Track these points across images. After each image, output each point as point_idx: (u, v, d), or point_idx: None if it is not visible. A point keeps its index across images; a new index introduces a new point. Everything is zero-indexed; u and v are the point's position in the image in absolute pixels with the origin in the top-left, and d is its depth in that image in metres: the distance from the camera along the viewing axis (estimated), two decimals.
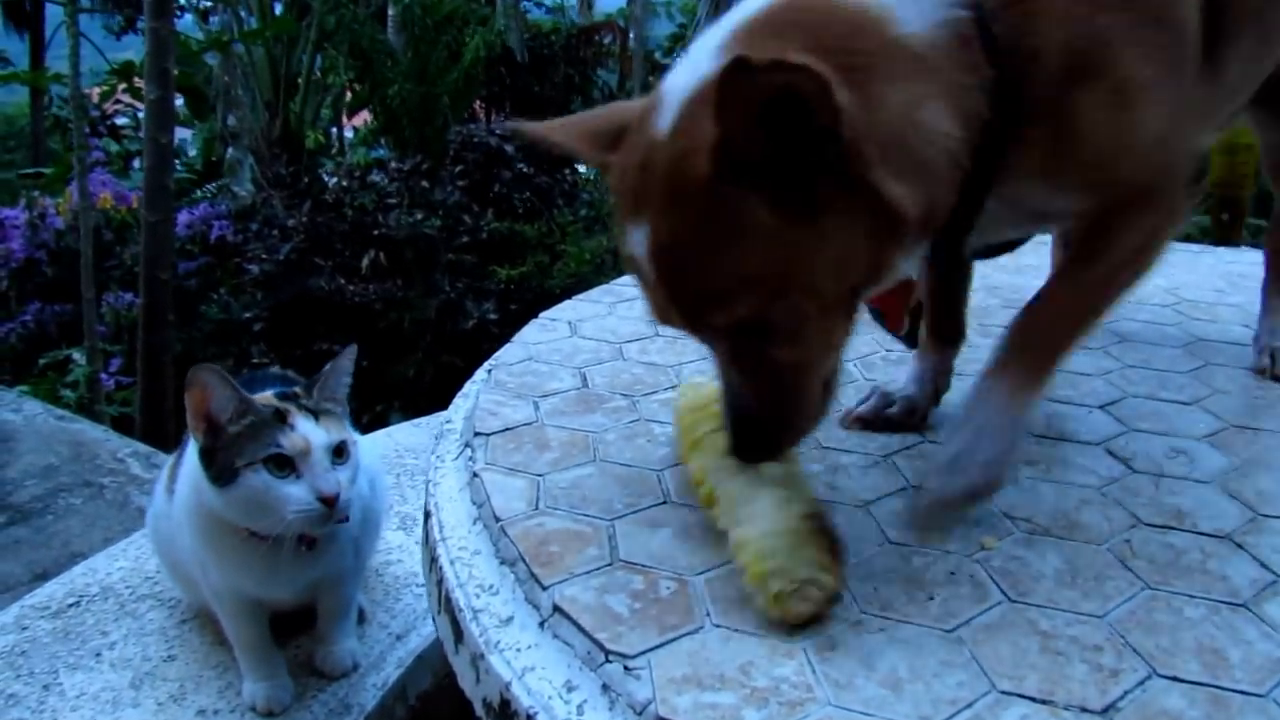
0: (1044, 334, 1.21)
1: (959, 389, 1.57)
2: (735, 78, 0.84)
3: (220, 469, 1.43)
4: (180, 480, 1.60)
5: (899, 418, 1.51)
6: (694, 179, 0.94)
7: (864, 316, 1.22)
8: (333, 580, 1.66)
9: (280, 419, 1.43)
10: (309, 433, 1.43)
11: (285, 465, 1.42)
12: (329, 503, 1.42)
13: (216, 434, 1.43)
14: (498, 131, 9.21)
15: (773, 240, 0.94)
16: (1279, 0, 1.36)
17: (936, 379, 1.54)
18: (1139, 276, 1.23)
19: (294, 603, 1.69)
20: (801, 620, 1.02)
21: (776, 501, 1.10)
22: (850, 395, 1.62)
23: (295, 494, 1.41)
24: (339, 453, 1.47)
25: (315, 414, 1.47)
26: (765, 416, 1.08)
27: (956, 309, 1.57)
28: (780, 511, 1.09)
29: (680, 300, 1.03)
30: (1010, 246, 1.47)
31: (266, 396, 1.48)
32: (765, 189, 0.93)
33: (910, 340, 1.41)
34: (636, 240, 1.02)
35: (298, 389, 1.54)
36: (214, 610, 1.67)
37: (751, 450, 1.11)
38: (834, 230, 0.95)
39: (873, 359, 1.80)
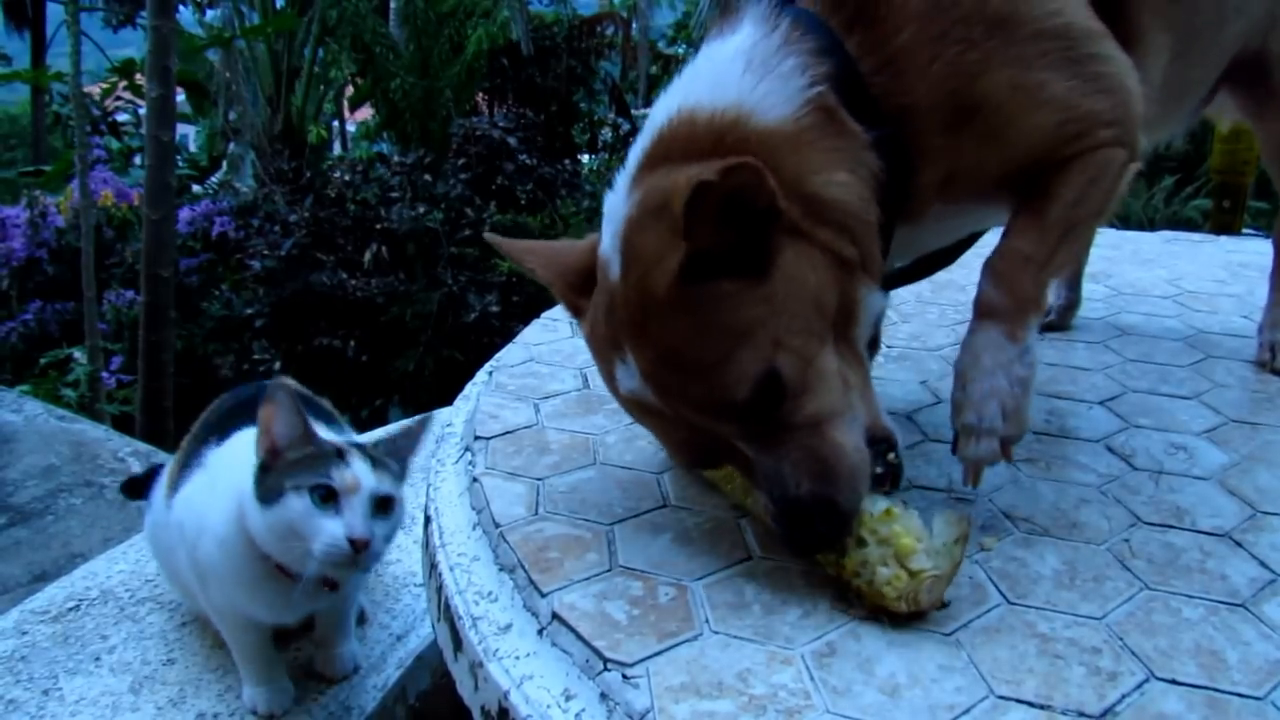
0: (1028, 267, 1.22)
1: None
2: (695, 199, 0.95)
3: (269, 489, 1.41)
4: (206, 498, 1.56)
5: None
6: (661, 294, 1.03)
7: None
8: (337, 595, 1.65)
9: (339, 455, 1.42)
10: (361, 474, 1.41)
11: (330, 498, 1.39)
12: (357, 546, 1.38)
13: (275, 455, 1.43)
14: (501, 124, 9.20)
15: (743, 300, 1.03)
16: None
17: None
18: (1104, 200, 1.26)
19: (295, 624, 1.69)
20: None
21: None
22: None
23: (328, 528, 1.38)
24: (384, 506, 1.44)
25: (374, 462, 1.45)
26: (812, 493, 1.04)
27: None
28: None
29: (688, 396, 1.06)
30: (951, 256, 1.48)
31: (334, 439, 1.47)
32: (721, 271, 1.02)
33: None
34: (625, 375, 1.10)
35: (370, 444, 1.52)
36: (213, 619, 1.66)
37: (808, 539, 1.07)
38: (794, 272, 1.05)
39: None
